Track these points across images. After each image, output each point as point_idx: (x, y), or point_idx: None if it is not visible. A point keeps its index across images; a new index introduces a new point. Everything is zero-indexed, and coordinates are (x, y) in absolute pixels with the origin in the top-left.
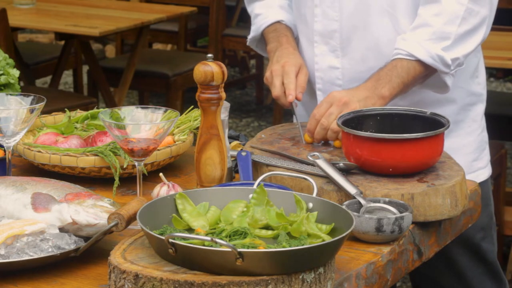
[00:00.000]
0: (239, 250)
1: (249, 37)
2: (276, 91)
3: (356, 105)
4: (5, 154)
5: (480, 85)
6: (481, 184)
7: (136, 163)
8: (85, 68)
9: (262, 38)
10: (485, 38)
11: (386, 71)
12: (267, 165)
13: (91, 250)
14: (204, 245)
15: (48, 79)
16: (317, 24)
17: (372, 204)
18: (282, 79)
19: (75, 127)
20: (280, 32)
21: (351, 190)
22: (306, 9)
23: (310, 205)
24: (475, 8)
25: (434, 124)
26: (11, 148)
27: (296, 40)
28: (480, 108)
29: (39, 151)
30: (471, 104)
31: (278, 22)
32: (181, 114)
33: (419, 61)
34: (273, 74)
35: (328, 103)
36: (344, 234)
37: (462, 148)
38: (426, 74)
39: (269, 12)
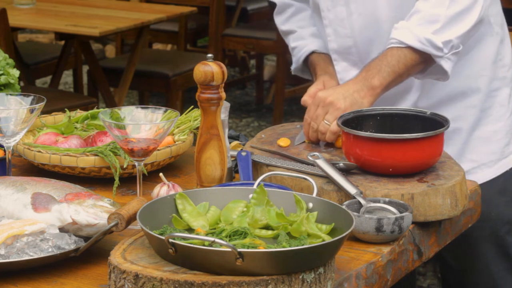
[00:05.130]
0: (239, 250)
1: (292, 68)
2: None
3: (341, 102)
4: (5, 154)
5: (504, 67)
6: None
7: (136, 163)
8: (85, 68)
9: (305, 67)
10: (483, 16)
11: (377, 61)
12: (267, 165)
13: (91, 250)
14: (204, 245)
15: (48, 79)
16: (332, 43)
17: (372, 204)
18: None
19: (75, 127)
20: (314, 66)
21: (351, 190)
22: (322, 29)
23: (310, 205)
24: None
25: (434, 124)
26: (11, 148)
27: None
28: (505, 92)
29: (39, 151)
30: (496, 89)
31: (313, 52)
32: (181, 114)
33: (410, 48)
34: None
35: (315, 105)
36: (344, 234)
37: (493, 135)
38: (421, 61)
39: (303, 44)
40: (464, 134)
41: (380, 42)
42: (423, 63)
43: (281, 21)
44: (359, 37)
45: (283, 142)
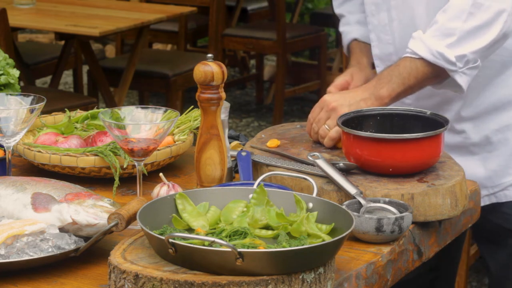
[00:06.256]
0: (239, 250)
1: (344, 51)
2: None
3: (345, 109)
4: (5, 154)
5: None
6: None
7: (136, 163)
8: (85, 68)
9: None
10: (508, 32)
11: (389, 70)
12: (267, 165)
13: (91, 250)
14: (204, 245)
15: (48, 79)
16: (375, 48)
17: (372, 204)
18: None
19: (75, 127)
20: (350, 54)
21: (351, 190)
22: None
23: (310, 205)
24: (486, 3)
25: (434, 124)
26: (11, 148)
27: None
28: None
29: (39, 151)
30: None
31: (355, 40)
32: (181, 114)
33: (422, 60)
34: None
35: (320, 107)
36: (344, 234)
37: None
38: (434, 75)
39: (348, 30)
40: (511, 145)
41: None
42: (436, 76)
43: (336, 4)
44: (399, 44)
45: (272, 143)
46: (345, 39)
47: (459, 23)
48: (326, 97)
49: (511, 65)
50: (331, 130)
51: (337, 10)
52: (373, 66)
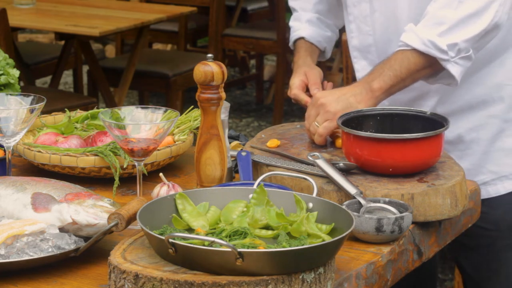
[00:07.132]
0: (239, 250)
1: (290, 44)
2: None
3: (333, 105)
4: (5, 154)
5: None
6: None
7: (136, 163)
8: (85, 68)
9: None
10: (498, 23)
11: (381, 64)
12: (267, 165)
13: (91, 250)
14: (204, 245)
15: (48, 79)
16: (354, 39)
17: (372, 204)
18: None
19: (75, 127)
20: (296, 52)
21: (351, 190)
22: (347, 26)
23: (310, 205)
24: None
25: (434, 124)
26: (11, 148)
27: (325, 52)
28: None
29: (39, 151)
30: None
31: (302, 38)
32: (181, 114)
33: (414, 51)
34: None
35: (311, 104)
36: (344, 234)
37: None
38: (426, 65)
39: (297, 26)
40: (484, 144)
41: (398, 43)
42: (429, 67)
43: None
44: (379, 36)
45: (272, 143)
46: (293, 35)
47: (450, 11)
48: (317, 94)
49: (487, 64)
50: (320, 126)
51: (291, 3)
52: (319, 65)
